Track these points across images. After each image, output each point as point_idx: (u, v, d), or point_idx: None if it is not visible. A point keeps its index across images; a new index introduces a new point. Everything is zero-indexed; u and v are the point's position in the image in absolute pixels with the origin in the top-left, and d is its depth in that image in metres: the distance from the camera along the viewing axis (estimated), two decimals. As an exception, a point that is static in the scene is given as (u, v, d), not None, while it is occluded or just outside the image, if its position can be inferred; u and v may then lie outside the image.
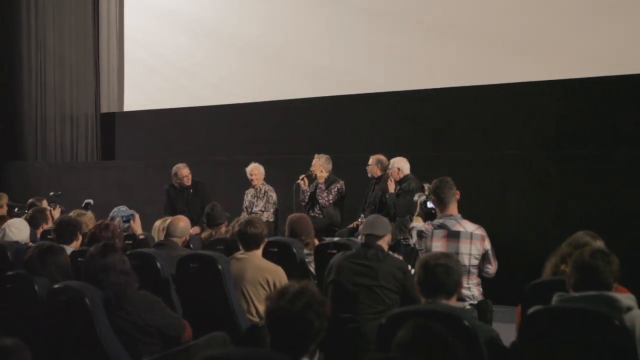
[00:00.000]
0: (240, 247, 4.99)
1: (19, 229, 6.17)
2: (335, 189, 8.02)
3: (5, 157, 12.39)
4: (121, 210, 6.82)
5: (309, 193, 8.12)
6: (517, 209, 7.46)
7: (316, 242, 5.74)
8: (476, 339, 3.10)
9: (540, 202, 7.36)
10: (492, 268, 4.93)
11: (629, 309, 3.17)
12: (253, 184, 8.49)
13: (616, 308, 3.13)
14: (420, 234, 4.99)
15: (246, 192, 8.59)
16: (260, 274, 4.79)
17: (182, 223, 5.60)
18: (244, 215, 7.85)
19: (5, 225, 6.29)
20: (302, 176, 8.10)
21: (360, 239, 4.93)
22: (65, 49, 12.10)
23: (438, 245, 4.82)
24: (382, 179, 7.70)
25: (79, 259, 4.69)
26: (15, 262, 5.40)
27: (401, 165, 7.54)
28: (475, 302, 4.80)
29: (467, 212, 5.11)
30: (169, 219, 5.80)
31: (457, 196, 4.99)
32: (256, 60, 10.21)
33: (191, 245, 5.66)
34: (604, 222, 6.63)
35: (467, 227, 4.88)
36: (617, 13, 7.54)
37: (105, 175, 11.23)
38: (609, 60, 7.48)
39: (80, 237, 5.66)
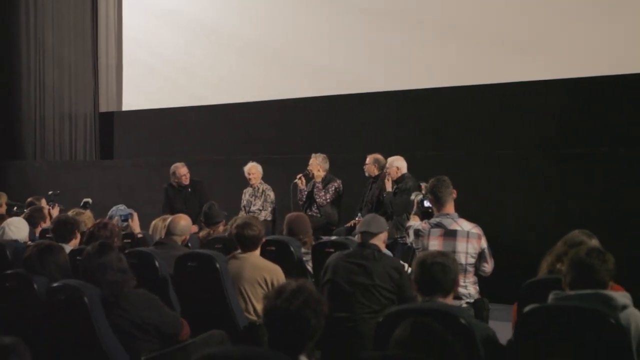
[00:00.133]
0: (238, 249, 5.00)
1: (18, 228, 6.17)
2: (333, 188, 8.02)
3: (4, 156, 12.41)
4: (119, 209, 6.83)
5: (306, 192, 8.12)
6: (516, 209, 7.45)
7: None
8: (473, 337, 3.11)
9: (539, 201, 7.35)
10: (488, 267, 4.93)
11: (624, 307, 3.18)
12: (251, 183, 8.49)
13: (612, 306, 3.14)
14: (417, 233, 4.99)
15: (244, 191, 8.60)
16: (258, 273, 4.79)
17: (183, 222, 5.56)
18: (242, 214, 7.86)
19: (4, 224, 6.28)
20: (300, 175, 8.12)
21: (357, 237, 4.94)
22: (64, 49, 12.11)
23: (435, 244, 4.83)
24: (380, 178, 7.70)
25: (78, 257, 4.70)
26: (14, 260, 5.41)
27: (399, 164, 7.54)
28: (472, 300, 4.81)
29: (466, 212, 5.11)
30: (169, 218, 5.78)
31: (454, 195, 5.00)
32: (256, 60, 10.21)
33: (189, 244, 5.66)
34: (604, 222, 6.63)
35: (464, 225, 4.89)
36: (616, 13, 7.55)
37: (104, 175, 11.23)
38: (609, 60, 7.48)
39: (78, 236, 5.68)
